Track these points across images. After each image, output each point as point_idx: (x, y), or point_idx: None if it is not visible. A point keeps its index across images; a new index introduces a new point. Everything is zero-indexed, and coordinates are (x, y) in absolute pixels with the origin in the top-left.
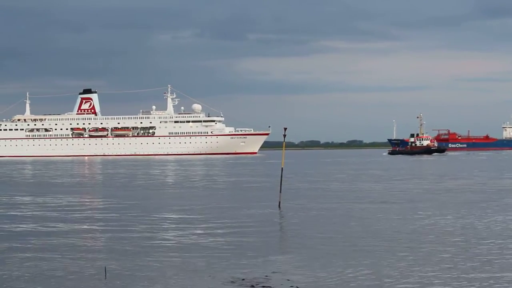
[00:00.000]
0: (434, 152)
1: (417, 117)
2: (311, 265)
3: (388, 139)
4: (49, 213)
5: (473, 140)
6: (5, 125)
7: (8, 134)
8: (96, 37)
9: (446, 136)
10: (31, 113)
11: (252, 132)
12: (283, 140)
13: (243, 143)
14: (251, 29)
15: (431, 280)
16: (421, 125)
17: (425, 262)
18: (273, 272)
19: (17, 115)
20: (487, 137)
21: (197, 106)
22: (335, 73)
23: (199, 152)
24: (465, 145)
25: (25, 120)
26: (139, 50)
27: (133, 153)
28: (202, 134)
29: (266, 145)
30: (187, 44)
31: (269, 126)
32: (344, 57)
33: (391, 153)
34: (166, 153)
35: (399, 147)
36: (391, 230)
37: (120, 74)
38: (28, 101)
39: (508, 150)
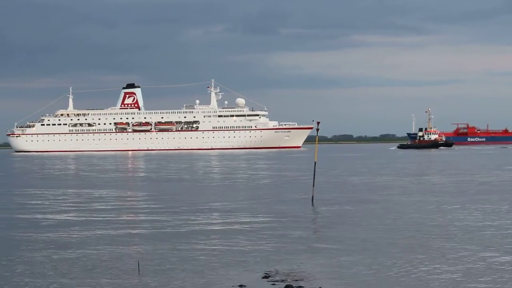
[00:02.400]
0: (441, 146)
1: (426, 112)
2: (344, 261)
3: (407, 133)
4: (90, 208)
5: (492, 134)
6: (48, 120)
7: (51, 129)
8: (128, 33)
9: (465, 130)
10: (74, 108)
11: (296, 126)
12: (316, 134)
13: (287, 137)
14: (283, 24)
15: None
16: (429, 119)
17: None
18: (307, 268)
19: (60, 110)
20: (506, 131)
21: (240, 100)
22: (367, 67)
23: (243, 146)
24: (484, 139)
25: (68, 115)
26: (172, 45)
27: (177, 148)
28: (246, 128)
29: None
30: (220, 39)
31: (313, 120)
32: (376, 52)
33: (400, 147)
34: (210, 148)
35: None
36: (427, 224)
37: (155, 69)
38: (71, 96)
39: None
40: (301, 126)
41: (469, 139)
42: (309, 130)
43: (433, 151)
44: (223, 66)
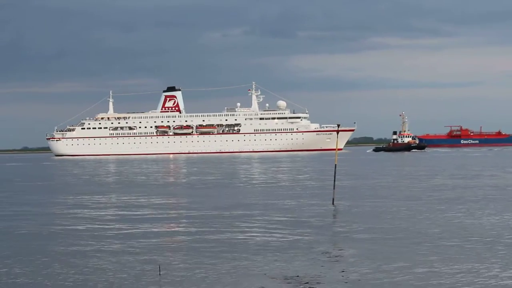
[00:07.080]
0: (414, 149)
1: (400, 115)
2: (364, 263)
3: None
4: (122, 212)
5: (485, 136)
6: (89, 124)
7: (92, 132)
8: (146, 37)
9: (458, 132)
10: (114, 111)
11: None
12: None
13: (328, 140)
14: (301, 27)
15: None
16: (403, 122)
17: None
18: (327, 270)
19: (100, 114)
20: (499, 133)
21: (282, 103)
22: (386, 69)
23: (285, 149)
24: (477, 141)
25: (108, 118)
26: (193, 49)
27: (218, 151)
28: (288, 130)
29: None
30: (238, 42)
31: (354, 122)
32: (395, 54)
33: (376, 150)
34: (251, 150)
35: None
36: (442, 226)
37: (181, 72)
38: (111, 100)
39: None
40: (343, 129)
41: (462, 141)
42: (350, 133)
43: (406, 153)
44: (247, 69)
